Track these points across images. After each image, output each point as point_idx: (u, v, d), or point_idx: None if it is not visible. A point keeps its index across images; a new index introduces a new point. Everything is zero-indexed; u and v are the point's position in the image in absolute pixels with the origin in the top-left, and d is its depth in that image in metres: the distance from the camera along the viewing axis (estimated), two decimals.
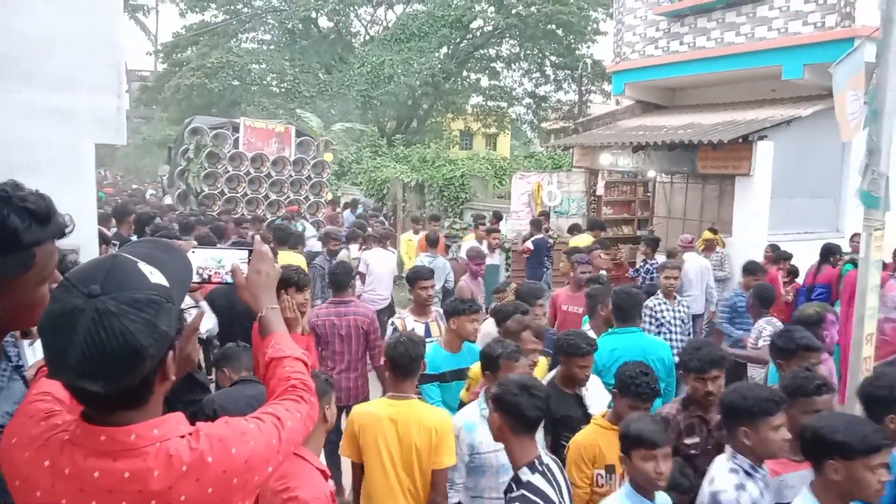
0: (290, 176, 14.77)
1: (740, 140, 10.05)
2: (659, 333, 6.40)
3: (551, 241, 11.51)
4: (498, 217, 12.24)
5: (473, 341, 4.72)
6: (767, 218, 10.27)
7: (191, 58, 29.70)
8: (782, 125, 10.26)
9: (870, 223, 6.32)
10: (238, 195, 14.23)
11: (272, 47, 30.69)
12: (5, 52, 4.47)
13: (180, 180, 14.37)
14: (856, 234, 8.74)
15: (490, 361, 3.66)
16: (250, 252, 1.91)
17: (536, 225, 11.65)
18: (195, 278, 1.83)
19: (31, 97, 4.57)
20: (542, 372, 4.54)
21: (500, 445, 2.97)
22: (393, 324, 5.38)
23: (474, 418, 3.57)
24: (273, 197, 14.55)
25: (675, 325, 6.57)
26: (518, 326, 4.25)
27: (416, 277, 5.63)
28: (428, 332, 5.34)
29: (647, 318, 6.58)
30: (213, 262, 1.91)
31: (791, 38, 10.71)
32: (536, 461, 2.75)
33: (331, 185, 17.15)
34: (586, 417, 3.98)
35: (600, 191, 14.03)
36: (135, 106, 36.22)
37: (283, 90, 28.55)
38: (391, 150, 22.34)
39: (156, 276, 1.38)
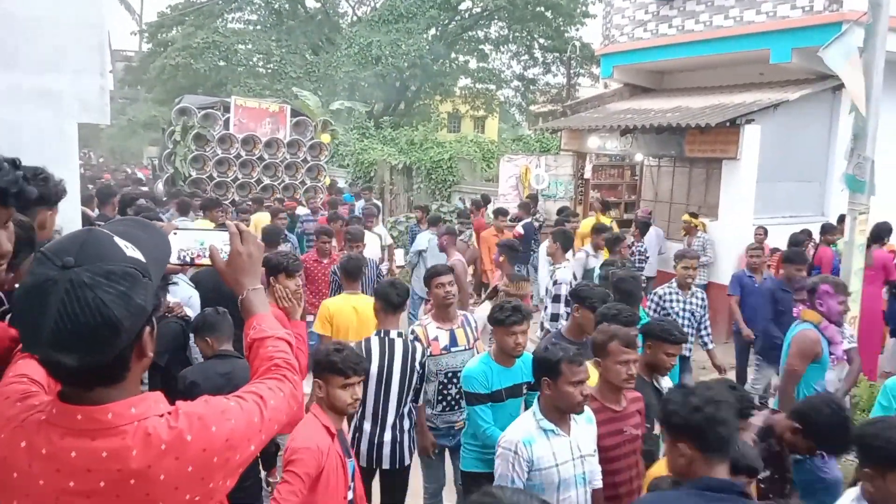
0: (285, 159, 13.94)
1: (728, 124, 10.06)
2: None
3: (538, 224, 11.53)
4: (486, 200, 12.23)
5: (518, 356, 4.06)
6: (753, 202, 10.32)
7: (176, 38, 29.36)
8: (769, 109, 10.28)
9: (855, 207, 6.39)
10: (228, 179, 13.47)
11: (258, 27, 30.35)
12: None
13: (168, 163, 13.75)
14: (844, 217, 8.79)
15: (549, 367, 3.25)
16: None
17: (526, 208, 11.66)
18: (176, 259, 1.81)
19: (15, 79, 4.51)
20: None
21: (560, 459, 3.24)
22: (413, 332, 4.67)
23: (532, 432, 3.27)
24: (266, 181, 13.78)
25: (684, 318, 6.26)
26: (604, 337, 3.60)
27: (432, 275, 4.81)
28: (453, 341, 4.62)
29: (653, 307, 6.32)
30: (196, 243, 1.88)
31: (779, 21, 10.70)
32: (383, 332, 4.28)
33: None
34: None
35: (588, 174, 14.04)
36: (119, 86, 35.86)
37: (269, 71, 28.28)
38: (378, 133, 22.23)
39: (132, 251, 1.36)
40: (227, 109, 13.64)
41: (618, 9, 13.70)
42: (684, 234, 10.01)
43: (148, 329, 1.40)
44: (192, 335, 4.25)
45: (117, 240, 1.36)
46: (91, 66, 4.79)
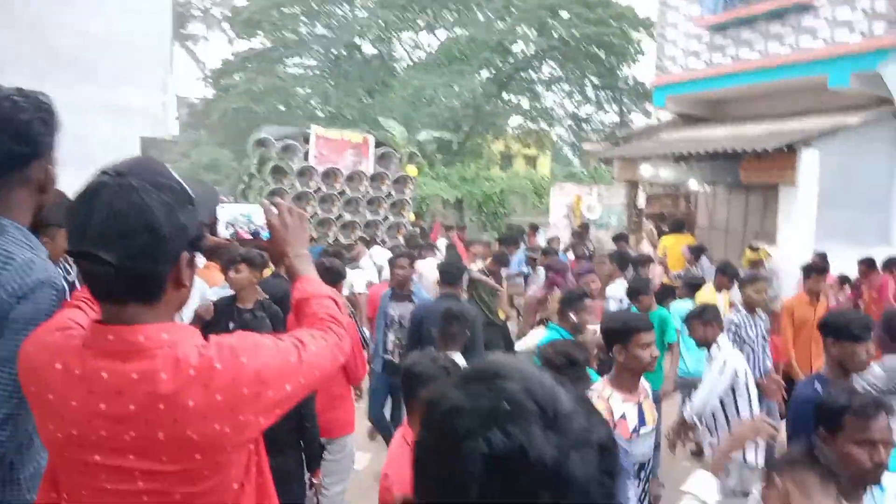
0: (367, 193, 13.03)
1: (785, 149, 9.88)
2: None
3: (588, 253, 11.40)
4: (534, 228, 12.21)
5: None
6: (814, 228, 10.03)
7: (238, 83, 30.45)
8: (829, 134, 10.06)
9: None
10: (307, 216, 12.76)
11: (317, 72, 31.30)
12: (66, 49, 4.69)
13: (242, 199, 12.49)
14: None
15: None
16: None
17: (580, 237, 11.57)
18: (224, 230, 1.87)
19: (89, 92, 4.77)
20: None
21: None
22: None
23: None
24: (347, 217, 12.84)
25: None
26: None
27: (632, 330, 3.31)
28: (642, 419, 3.34)
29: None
30: (242, 217, 1.96)
31: (837, 47, 10.53)
32: None
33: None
34: None
35: (641, 203, 13.90)
36: (183, 129, 37.22)
37: (327, 115, 29.00)
38: (432, 170, 22.47)
39: (183, 183, 1.44)
40: (306, 140, 12.83)
41: (670, 39, 13.71)
42: (749, 268, 9.61)
43: (187, 256, 1.44)
44: None
45: (171, 169, 1.46)
46: (155, 82, 5.05)
